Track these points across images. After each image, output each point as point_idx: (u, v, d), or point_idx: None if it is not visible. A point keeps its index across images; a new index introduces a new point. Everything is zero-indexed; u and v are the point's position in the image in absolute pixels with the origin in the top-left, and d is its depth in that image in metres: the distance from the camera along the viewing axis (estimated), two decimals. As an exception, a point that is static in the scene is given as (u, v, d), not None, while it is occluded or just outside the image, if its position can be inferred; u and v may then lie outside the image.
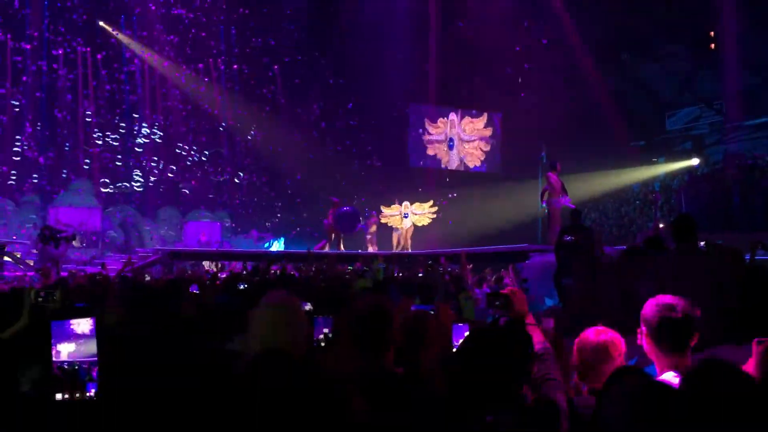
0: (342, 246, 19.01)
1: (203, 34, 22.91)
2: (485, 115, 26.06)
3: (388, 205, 21.78)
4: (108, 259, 18.41)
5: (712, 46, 20.45)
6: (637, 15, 21.31)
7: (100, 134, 22.13)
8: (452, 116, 25.86)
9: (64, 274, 13.35)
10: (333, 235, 19.12)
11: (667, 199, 19.13)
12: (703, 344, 3.86)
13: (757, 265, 5.78)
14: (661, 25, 20.82)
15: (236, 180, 23.91)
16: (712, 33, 20.39)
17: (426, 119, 25.52)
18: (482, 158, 26.18)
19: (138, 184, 22.38)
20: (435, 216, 21.84)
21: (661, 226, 14.79)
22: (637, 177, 23.39)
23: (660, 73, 24.20)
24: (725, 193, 14.18)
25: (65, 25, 21.45)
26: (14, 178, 20.85)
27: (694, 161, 22.67)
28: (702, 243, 5.97)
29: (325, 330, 3.14)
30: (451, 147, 25.75)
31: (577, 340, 3.14)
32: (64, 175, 21.48)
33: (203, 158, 23.56)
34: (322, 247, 18.95)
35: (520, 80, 22.95)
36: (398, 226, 21.29)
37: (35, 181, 21.08)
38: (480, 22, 22.85)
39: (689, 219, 5.05)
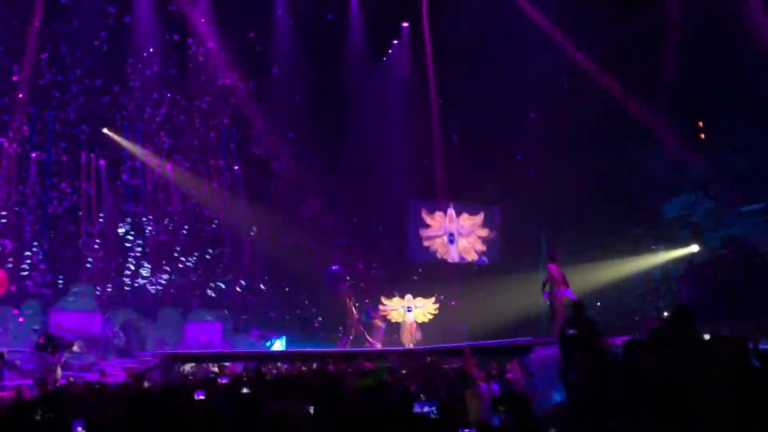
0: (369, 338, 19.48)
1: (204, 136, 23.44)
2: (482, 211, 26.20)
3: (390, 298, 21.70)
4: (108, 364, 18.16)
5: (702, 135, 20.88)
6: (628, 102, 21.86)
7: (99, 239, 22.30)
8: (450, 211, 26.08)
9: (62, 381, 13.20)
10: (353, 330, 19.46)
11: (669, 288, 19.06)
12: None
13: None
14: (652, 114, 21.33)
15: (238, 286, 23.93)
16: (700, 123, 20.87)
17: (424, 214, 25.72)
18: (482, 251, 26.20)
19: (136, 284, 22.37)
20: (436, 312, 21.75)
21: (665, 314, 14.72)
22: (637, 266, 23.39)
23: (654, 160, 24.57)
24: (728, 280, 14.18)
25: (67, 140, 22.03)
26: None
27: (694, 248, 22.73)
28: (707, 335, 5.95)
29: None
30: (451, 241, 25.84)
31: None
32: (61, 281, 21.48)
33: (204, 257, 23.58)
34: (345, 344, 18.93)
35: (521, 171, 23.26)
36: (401, 320, 21.14)
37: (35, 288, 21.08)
38: (476, 114, 23.51)
39: (686, 308, 5.07)
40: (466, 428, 3.10)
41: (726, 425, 4.10)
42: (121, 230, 22.55)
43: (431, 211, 25.81)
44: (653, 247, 24.34)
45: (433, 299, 21.85)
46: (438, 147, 24.13)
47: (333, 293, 21.24)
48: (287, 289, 24.03)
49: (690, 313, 4.89)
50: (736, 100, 20.35)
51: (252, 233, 23.79)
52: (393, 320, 21.31)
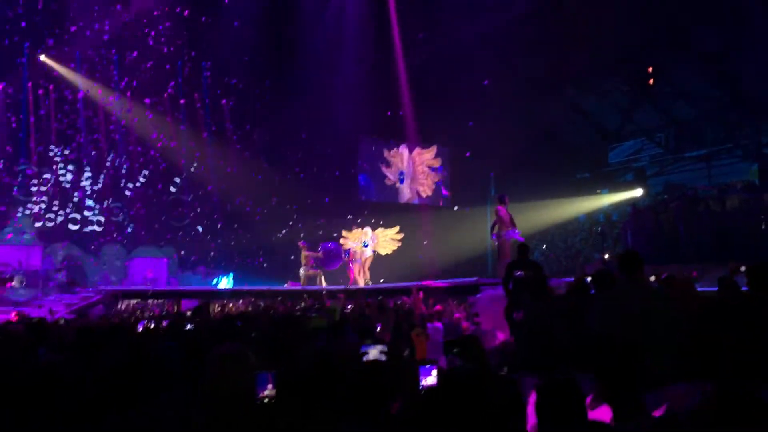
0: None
1: (150, 68, 22.53)
2: (434, 146, 26.34)
3: (350, 229, 21.66)
4: (49, 299, 17.77)
5: (651, 81, 21.11)
6: (578, 51, 21.91)
7: (43, 170, 21.47)
8: (402, 149, 26.04)
9: (2, 317, 12.83)
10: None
11: (612, 231, 19.53)
12: (657, 382, 3.87)
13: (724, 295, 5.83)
14: (601, 61, 21.43)
15: (187, 217, 23.42)
16: (650, 69, 21.07)
17: (377, 152, 25.63)
18: (431, 191, 26.37)
19: (76, 221, 21.71)
20: (400, 243, 21.81)
21: (607, 257, 15.08)
22: (583, 208, 23.89)
23: (602, 107, 24.89)
24: (670, 225, 14.52)
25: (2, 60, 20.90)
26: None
27: (638, 192, 23.28)
28: (653, 278, 6.06)
29: (269, 387, 2.74)
30: (401, 181, 25.86)
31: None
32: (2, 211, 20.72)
33: (145, 188, 22.97)
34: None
35: (468, 114, 23.17)
36: (357, 256, 21.18)
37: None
38: (429, 56, 23.21)
39: (635, 254, 5.12)
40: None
41: (673, 366, 4.18)
42: (62, 166, 21.72)
43: (382, 150, 25.71)
44: (598, 191, 24.88)
45: (396, 228, 21.86)
46: (393, 88, 23.84)
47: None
48: (236, 225, 23.68)
49: (638, 258, 4.94)
50: (684, 48, 20.56)
51: (192, 169, 23.19)
52: (349, 248, 21.45)
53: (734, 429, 1.92)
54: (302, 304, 13.64)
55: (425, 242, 23.67)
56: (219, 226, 23.63)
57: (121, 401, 2.95)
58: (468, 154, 24.05)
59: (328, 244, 22.01)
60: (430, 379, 2.89)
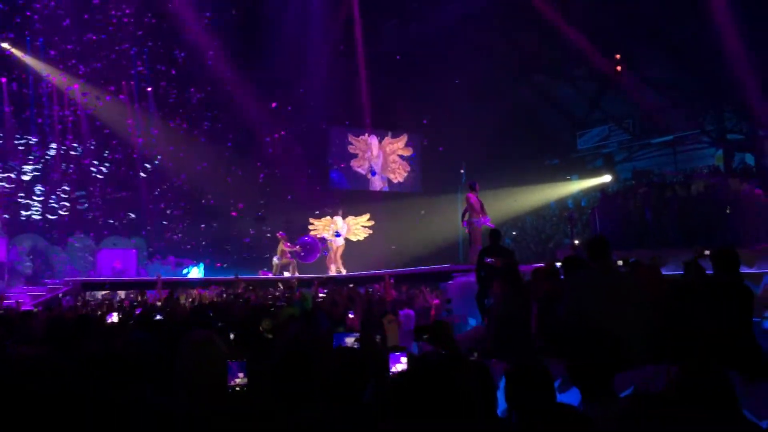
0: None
1: (114, 55, 22.12)
2: (405, 135, 26.38)
3: (319, 218, 21.63)
4: (14, 291, 17.50)
5: (618, 68, 21.33)
6: (546, 39, 22.09)
7: (3, 162, 21.01)
8: (372, 138, 26.03)
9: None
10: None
11: (581, 216, 19.76)
12: (626, 365, 3.95)
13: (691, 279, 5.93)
14: (569, 49, 21.60)
15: (152, 205, 23.09)
16: (618, 56, 21.27)
17: (347, 142, 25.61)
18: (403, 177, 26.44)
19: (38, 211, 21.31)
20: (370, 231, 21.84)
21: (576, 242, 15.25)
22: (553, 194, 24.12)
23: (571, 93, 25.11)
24: (637, 211, 14.73)
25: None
26: None
27: (606, 178, 23.57)
28: (620, 262, 6.15)
29: (240, 375, 2.75)
30: (373, 172, 25.88)
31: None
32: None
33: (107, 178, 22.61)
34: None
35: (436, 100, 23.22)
36: (329, 245, 21.21)
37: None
38: (399, 44, 23.18)
39: (603, 239, 5.20)
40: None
41: (640, 349, 4.27)
42: (25, 155, 21.29)
43: (352, 141, 25.69)
44: (567, 177, 25.13)
45: (367, 216, 21.92)
46: (362, 77, 23.75)
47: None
48: (206, 215, 23.44)
49: (606, 243, 5.01)
50: (650, 36, 20.81)
51: (156, 162, 22.83)
52: (319, 236, 21.51)
53: (700, 409, 1.97)
54: (276, 293, 13.62)
55: (396, 230, 23.70)
56: (186, 215, 23.37)
57: (95, 392, 2.92)
58: (441, 148, 24.11)
59: (305, 238, 21.98)
60: (400, 366, 2.92)
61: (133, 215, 22.57)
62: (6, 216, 20.51)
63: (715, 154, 21.71)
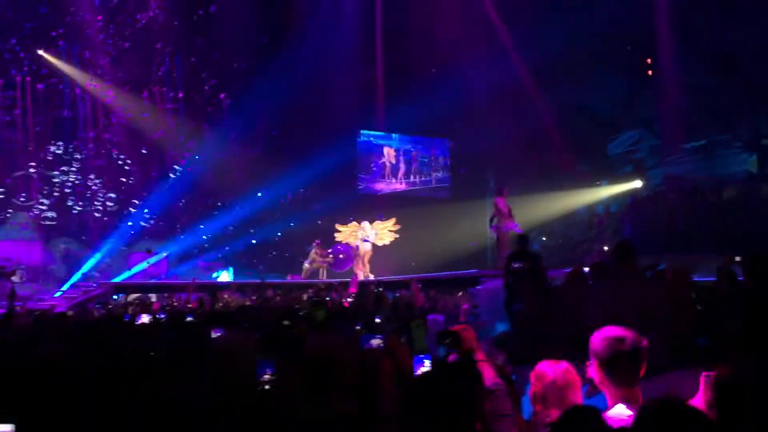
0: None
1: (146, 59, 22.50)
2: (434, 140, 26.39)
3: (344, 223, 21.71)
4: (49, 293, 17.84)
5: (650, 72, 21.09)
6: (575, 42, 21.92)
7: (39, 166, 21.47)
8: (402, 142, 26.07)
9: (2, 311, 12.86)
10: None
11: (611, 222, 19.56)
12: (652, 371, 3.92)
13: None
14: (599, 53, 21.43)
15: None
16: (649, 60, 21.05)
17: (375, 145, 25.68)
18: (432, 183, 26.43)
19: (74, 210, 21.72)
20: (397, 234, 21.87)
21: (605, 249, 15.13)
22: (582, 200, 23.90)
23: (601, 98, 24.86)
24: (668, 216, 14.57)
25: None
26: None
27: (637, 184, 23.29)
28: (647, 268, 6.11)
29: (269, 372, 2.84)
30: (396, 173, 25.92)
31: (533, 374, 3.14)
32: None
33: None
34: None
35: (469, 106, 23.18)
36: (354, 245, 21.28)
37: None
38: (427, 47, 23.19)
39: (628, 243, 5.18)
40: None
41: (668, 359, 4.23)
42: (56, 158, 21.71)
43: (381, 144, 25.77)
44: (597, 183, 24.88)
45: (393, 220, 21.96)
46: (383, 79, 23.88)
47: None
48: (238, 220, 23.70)
49: (632, 247, 4.99)
50: (683, 39, 20.56)
51: (188, 168, 23.09)
52: (345, 243, 21.57)
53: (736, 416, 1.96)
54: (304, 297, 13.69)
55: (424, 235, 23.68)
56: (216, 219, 23.65)
57: (125, 392, 3.00)
58: (463, 170, 24.09)
59: (338, 246, 22.11)
60: (424, 370, 2.95)
61: (164, 219, 22.91)
62: (42, 220, 20.96)
63: (749, 160, 21.33)
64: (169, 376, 3.16)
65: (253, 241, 23.82)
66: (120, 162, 22.59)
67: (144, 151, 22.92)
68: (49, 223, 21.22)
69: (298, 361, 2.54)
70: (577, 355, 5.53)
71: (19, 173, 21.00)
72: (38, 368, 3.44)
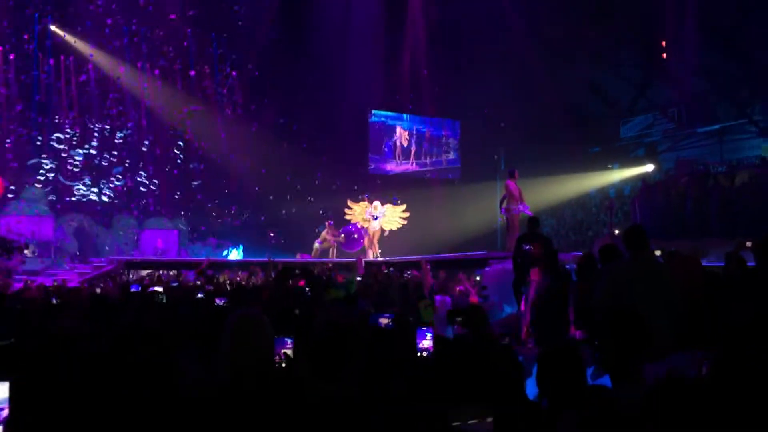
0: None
1: (162, 38, 22.52)
2: (445, 121, 26.34)
3: (356, 202, 21.73)
4: (60, 269, 17.99)
5: (664, 55, 20.91)
6: (591, 24, 21.71)
7: (54, 143, 21.57)
8: (412, 122, 26.01)
9: (17, 285, 13.00)
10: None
11: (622, 206, 19.50)
12: (661, 353, 3.94)
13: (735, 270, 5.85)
14: (614, 35, 21.24)
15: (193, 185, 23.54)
16: (663, 43, 20.85)
17: (387, 125, 25.64)
18: (442, 164, 26.41)
19: (91, 192, 21.86)
20: (405, 222, 21.90)
21: (616, 232, 15.09)
22: (593, 183, 23.82)
23: (615, 81, 24.68)
24: (679, 201, 14.50)
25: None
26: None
27: (649, 168, 23.17)
28: (658, 252, 6.10)
29: (285, 349, 2.87)
30: (408, 154, 25.89)
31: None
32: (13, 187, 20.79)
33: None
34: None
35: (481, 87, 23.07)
36: (365, 226, 21.29)
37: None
38: (439, 29, 23.08)
39: (640, 229, 5.16)
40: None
41: (674, 339, 4.25)
42: (69, 136, 21.81)
43: (393, 124, 25.73)
44: (609, 166, 24.76)
45: (404, 207, 21.96)
46: (405, 61, 23.80)
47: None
48: (247, 198, 23.81)
49: (643, 232, 4.98)
50: (698, 23, 20.34)
51: (201, 142, 23.17)
52: (354, 222, 21.62)
53: (741, 395, 1.98)
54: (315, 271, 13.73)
55: (434, 216, 23.70)
56: (229, 198, 23.77)
57: (140, 366, 3.05)
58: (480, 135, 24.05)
59: (349, 227, 22.15)
60: (426, 342, 3.00)
61: (176, 196, 23.04)
62: (53, 196, 21.09)
63: (762, 145, 21.18)
64: (183, 354, 3.21)
65: (262, 218, 23.95)
66: (131, 139, 22.64)
67: (159, 131, 22.95)
68: (61, 199, 21.35)
69: (312, 340, 2.57)
70: (587, 336, 5.57)
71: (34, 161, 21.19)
72: (53, 342, 3.50)
